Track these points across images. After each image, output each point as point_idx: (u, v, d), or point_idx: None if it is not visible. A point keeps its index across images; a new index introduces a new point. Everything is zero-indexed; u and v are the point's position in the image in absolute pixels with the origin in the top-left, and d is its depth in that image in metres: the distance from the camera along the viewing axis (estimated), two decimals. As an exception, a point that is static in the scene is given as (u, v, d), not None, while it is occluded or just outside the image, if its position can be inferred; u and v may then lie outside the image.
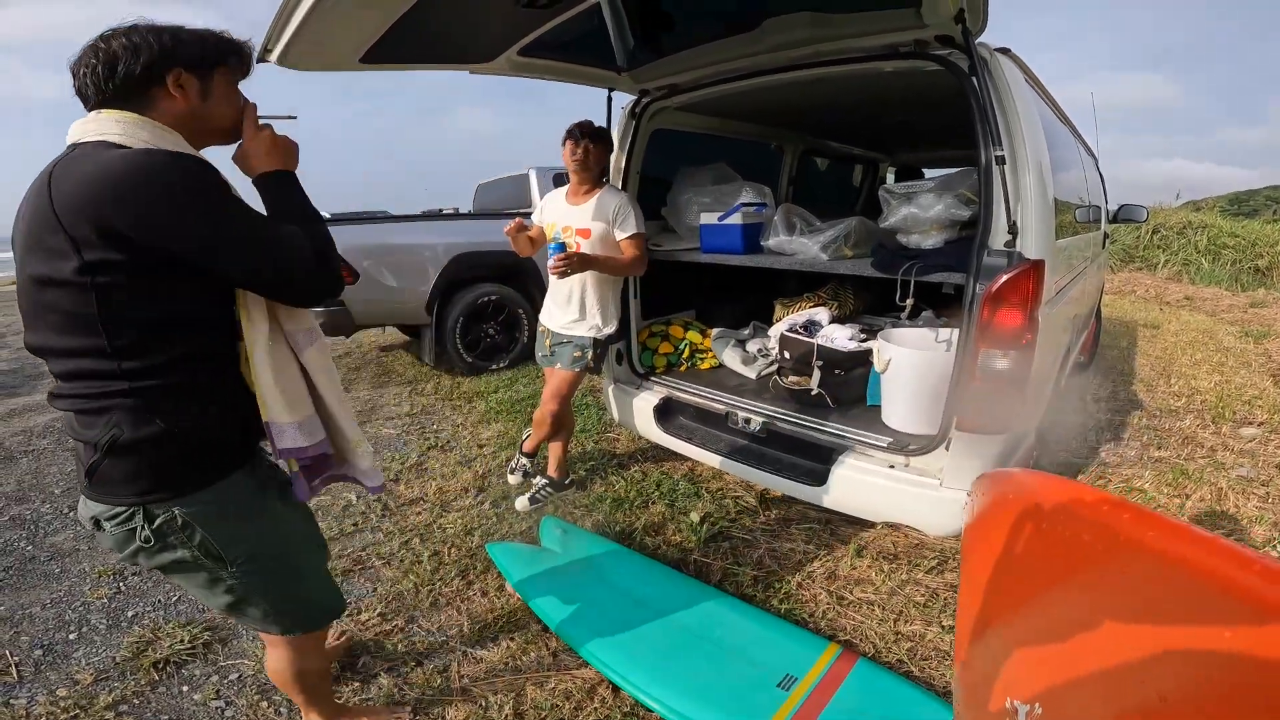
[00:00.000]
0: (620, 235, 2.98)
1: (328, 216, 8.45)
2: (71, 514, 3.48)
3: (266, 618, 1.59)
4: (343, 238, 5.14)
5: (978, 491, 1.53)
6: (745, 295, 4.39)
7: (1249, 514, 3.22)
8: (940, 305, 3.72)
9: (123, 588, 2.80)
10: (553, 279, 3.11)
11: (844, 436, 2.74)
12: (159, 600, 2.70)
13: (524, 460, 3.45)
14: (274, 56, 2.12)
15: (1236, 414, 4.56)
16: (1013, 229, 2.18)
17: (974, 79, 2.14)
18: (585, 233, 2.98)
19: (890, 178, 6.55)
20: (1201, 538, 0.99)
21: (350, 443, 1.66)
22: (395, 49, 2.36)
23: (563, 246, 2.81)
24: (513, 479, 3.46)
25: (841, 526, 3.10)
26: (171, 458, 1.34)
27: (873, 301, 4.31)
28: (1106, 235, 5.09)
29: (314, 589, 1.69)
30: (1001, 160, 2.14)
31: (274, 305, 1.46)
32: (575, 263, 2.79)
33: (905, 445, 2.57)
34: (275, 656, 1.75)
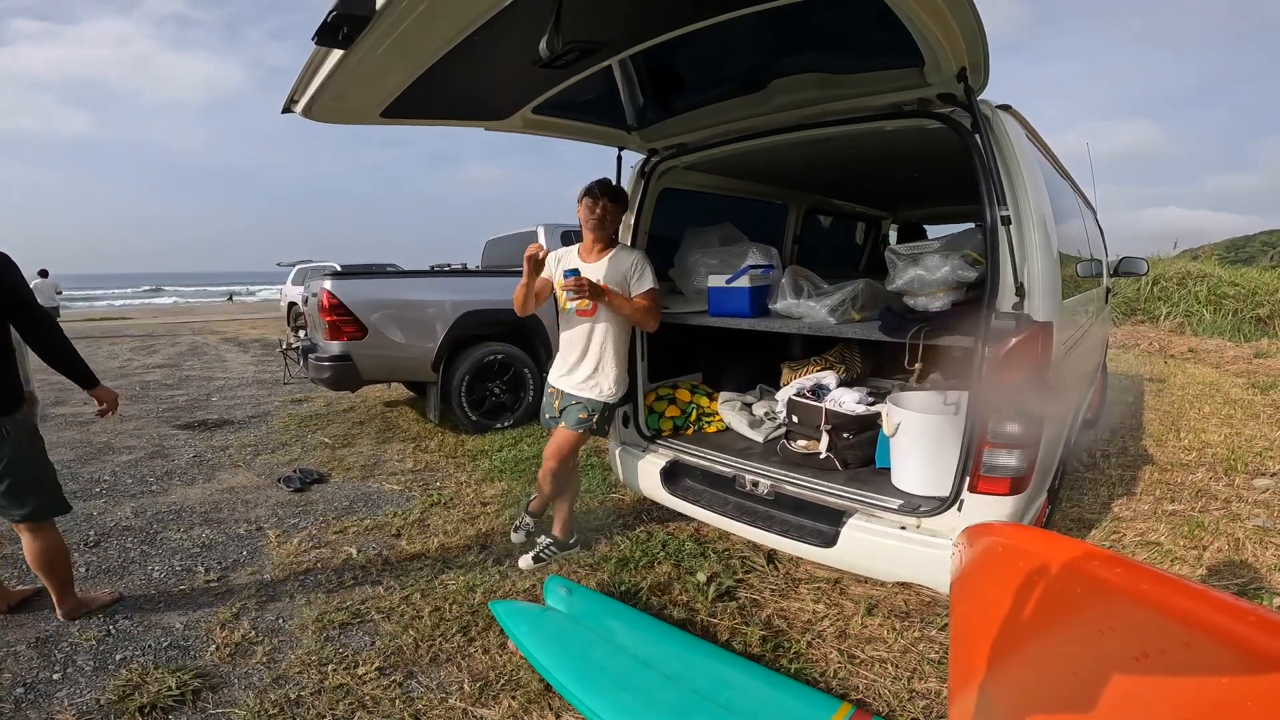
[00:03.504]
0: (636, 290, 3.01)
1: (338, 269, 8.49)
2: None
3: (50, 498, 2.69)
4: (352, 292, 5.23)
5: (963, 545, 1.57)
6: (751, 358, 4.40)
7: (1268, 562, 3.20)
8: (948, 366, 3.73)
9: (113, 630, 2.74)
10: (564, 338, 3.12)
11: (853, 499, 2.71)
12: (149, 645, 2.64)
13: (528, 520, 3.41)
14: (299, 108, 2.20)
15: (1249, 466, 4.57)
16: (1020, 290, 2.21)
17: (977, 136, 2.20)
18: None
19: (893, 235, 6.65)
20: (1177, 583, 1.08)
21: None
22: (415, 105, 2.44)
23: (577, 272, 2.82)
24: (515, 537, 3.42)
25: (851, 585, 3.05)
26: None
27: (880, 363, 4.33)
28: (1109, 289, 5.14)
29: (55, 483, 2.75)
30: (1007, 220, 2.18)
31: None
32: (588, 288, 2.80)
33: (916, 507, 2.54)
34: (47, 537, 2.70)
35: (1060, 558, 1.25)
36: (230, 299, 41.48)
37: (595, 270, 3.02)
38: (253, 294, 47.73)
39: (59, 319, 16.59)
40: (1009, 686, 1.32)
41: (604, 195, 2.99)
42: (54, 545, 2.74)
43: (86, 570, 3.29)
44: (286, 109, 2.24)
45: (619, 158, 3.36)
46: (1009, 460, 2.26)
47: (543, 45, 1.83)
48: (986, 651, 1.37)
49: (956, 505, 2.38)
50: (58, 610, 2.81)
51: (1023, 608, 1.28)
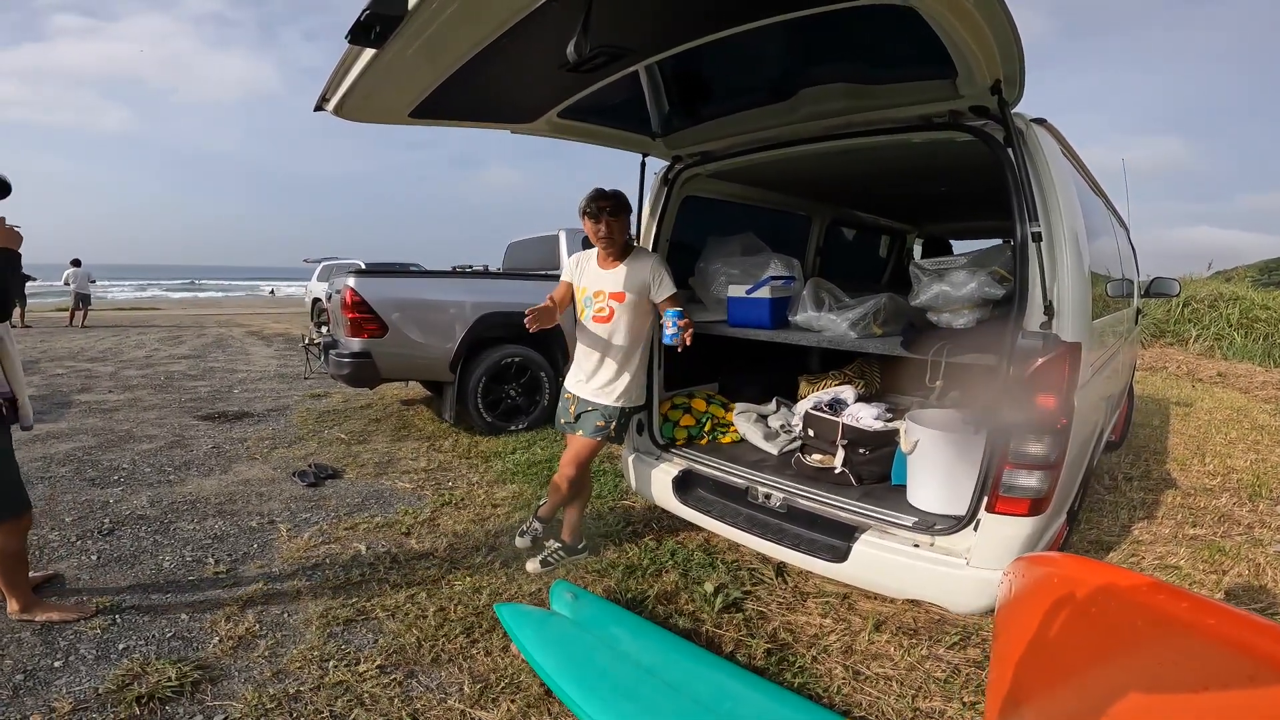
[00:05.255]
0: (659, 296, 2.98)
1: (363, 267, 8.56)
2: (79, 542, 3.46)
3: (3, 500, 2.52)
4: (374, 290, 5.26)
5: (1014, 573, 1.54)
6: (769, 370, 4.36)
7: (1287, 588, 3.14)
8: (970, 384, 3.67)
9: (118, 620, 2.75)
10: (582, 345, 3.10)
11: (867, 515, 2.66)
12: (153, 635, 2.65)
13: (536, 525, 3.37)
14: (330, 106, 2.22)
15: (1273, 492, 4.49)
16: (1049, 309, 2.15)
17: (1010, 151, 2.16)
18: (620, 297, 2.99)
19: (917, 249, 6.58)
20: (1245, 617, 1.05)
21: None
22: (443, 106, 2.45)
23: (682, 313, 2.81)
24: (520, 542, 3.37)
25: (860, 601, 3.00)
26: None
27: (900, 380, 4.27)
28: (1139, 310, 5.04)
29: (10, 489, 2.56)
30: (1038, 237, 2.13)
31: None
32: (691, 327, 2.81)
33: (931, 525, 2.49)
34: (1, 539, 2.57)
35: (1121, 591, 1.23)
36: (272, 293, 43.71)
37: (614, 278, 3.00)
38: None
39: (90, 307, 16.95)
40: (1055, 715, 1.30)
41: (603, 213, 2.92)
42: (5, 550, 2.61)
43: (98, 558, 3.31)
44: (319, 107, 2.26)
45: (643, 164, 3.34)
46: (1029, 481, 2.20)
47: (570, 49, 1.83)
48: (1032, 680, 1.35)
49: (973, 524, 2.32)
50: (8, 606, 2.71)
51: (1076, 639, 1.26)
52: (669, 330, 2.80)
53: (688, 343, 2.77)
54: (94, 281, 17.40)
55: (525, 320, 2.73)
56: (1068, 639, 1.27)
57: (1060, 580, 1.37)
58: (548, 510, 3.36)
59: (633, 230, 3.22)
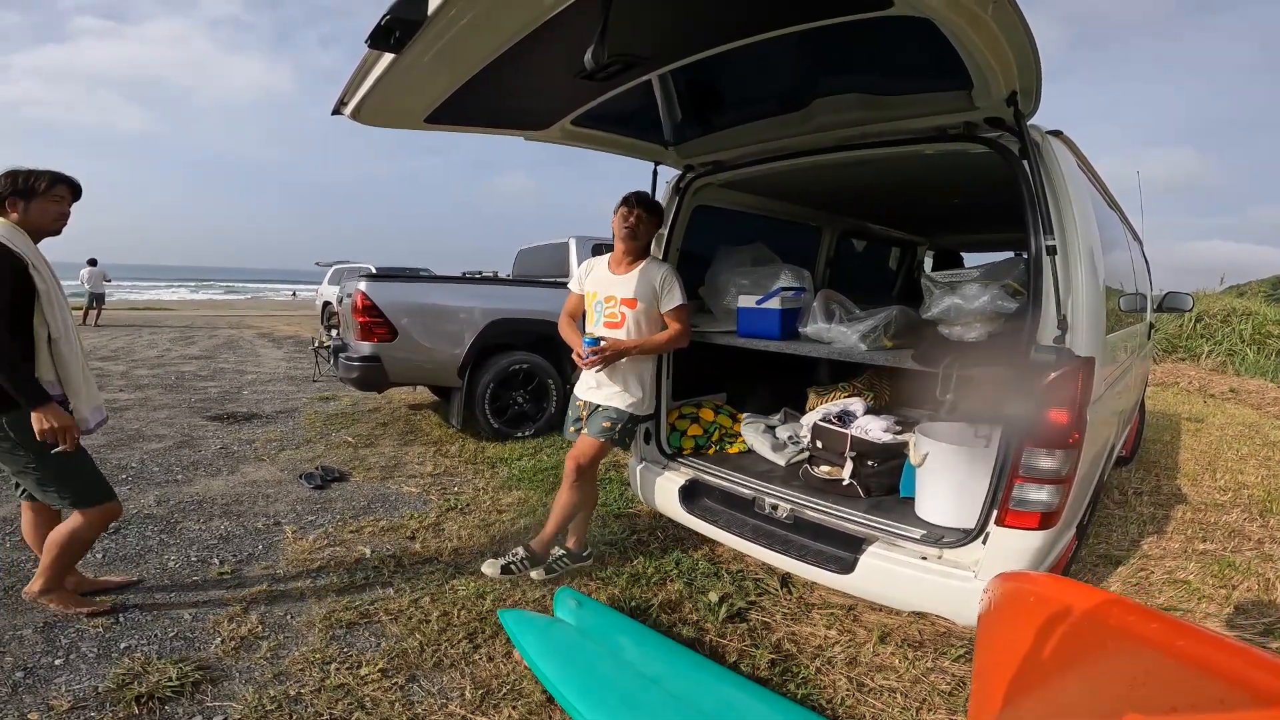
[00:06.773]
0: (665, 307, 2.98)
1: (373, 271, 8.61)
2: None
3: (59, 494, 2.58)
4: (385, 294, 5.28)
5: (994, 589, 1.54)
6: (778, 381, 4.34)
7: (1298, 603, 3.11)
8: (981, 398, 3.64)
9: (121, 619, 2.75)
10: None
11: (875, 527, 2.64)
12: (155, 635, 2.64)
13: (521, 551, 3.16)
14: (348, 110, 2.25)
15: None
16: (1062, 324, 2.13)
17: (1025, 163, 2.14)
18: (631, 303, 2.98)
19: (928, 261, 6.55)
20: (1216, 639, 1.07)
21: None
22: (459, 112, 2.47)
23: (597, 341, 2.85)
24: (488, 569, 3.17)
25: (865, 613, 2.98)
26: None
27: (910, 392, 4.24)
28: (1152, 325, 5.00)
29: (86, 479, 2.64)
30: (1052, 250, 2.11)
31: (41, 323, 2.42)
32: (610, 354, 2.84)
33: (940, 538, 2.47)
34: (65, 522, 2.65)
35: (1093, 611, 1.23)
36: (294, 295, 45.11)
37: (625, 282, 3.00)
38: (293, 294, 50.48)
39: (104, 305, 17.09)
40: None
41: (639, 205, 2.97)
42: (79, 535, 2.63)
43: (104, 556, 3.32)
44: (336, 111, 2.28)
45: (654, 173, 3.35)
46: (1040, 495, 2.18)
47: (588, 57, 1.83)
48: (1009, 698, 1.34)
49: (981, 538, 2.30)
50: (31, 585, 2.73)
51: (1050, 658, 1.26)
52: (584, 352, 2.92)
53: (591, 370, 2.98)
54: (109, 281, 17.55)
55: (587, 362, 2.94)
56: (1041, 657, 1.27)
57: (1036, 599, 1.38)
58: (539, 543, 3.17)
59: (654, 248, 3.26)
